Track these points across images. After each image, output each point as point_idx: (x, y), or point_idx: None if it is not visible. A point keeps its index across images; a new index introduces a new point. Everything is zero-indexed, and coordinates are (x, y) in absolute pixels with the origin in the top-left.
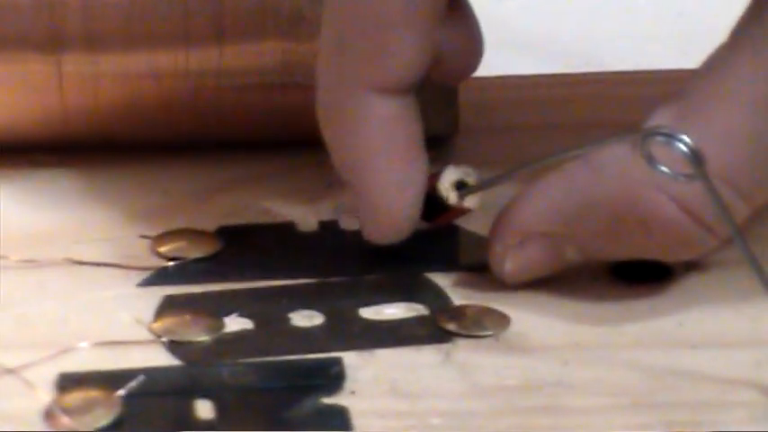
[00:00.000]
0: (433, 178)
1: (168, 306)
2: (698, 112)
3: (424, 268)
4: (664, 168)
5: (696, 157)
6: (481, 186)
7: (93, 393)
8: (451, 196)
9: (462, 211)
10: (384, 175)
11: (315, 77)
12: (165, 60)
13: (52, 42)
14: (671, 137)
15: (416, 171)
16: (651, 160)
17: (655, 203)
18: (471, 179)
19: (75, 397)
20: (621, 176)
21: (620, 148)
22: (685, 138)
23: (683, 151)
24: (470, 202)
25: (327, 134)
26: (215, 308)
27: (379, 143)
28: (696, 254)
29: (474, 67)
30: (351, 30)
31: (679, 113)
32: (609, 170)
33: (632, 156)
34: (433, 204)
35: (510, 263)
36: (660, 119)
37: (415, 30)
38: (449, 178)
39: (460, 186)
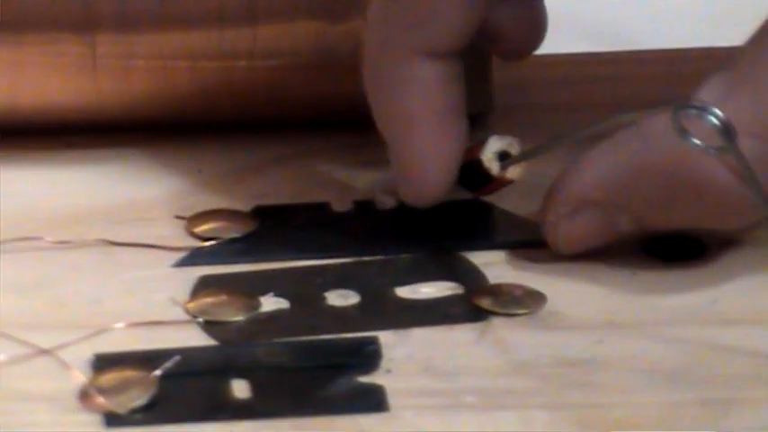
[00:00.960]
0: (477, 149)
1: (203, 286)
2: (747, 82)
3: (460, 247)
4: (696, 141)
5: (727, 130)
6: (524, 157)
7: (129, 373)
8: (494, 167)
9: (505, 182)
10: (422, 138)
11: (363, 38)
12: (199, 41)
13: (86, 24)
14: (702, 110)
15: (454, 137)
16: (683, 133)
17: (707, 169)
18: (514, 150)
19: (111, 377)
20: (674, 143)
21: (665, 113)
22: (717, 111)
23: (714, 124)
24: (513, 172)
25: (371, 94)
26: (250, 288)
27: (420, 106)
28: (748, 222)
29: (536, 44)
30: None
31: (729, 83)
32: (662, 137)
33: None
34: (476, 175)
35: (563, 232)
36: (710, 88)
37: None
38: (492, 149)
39: (504, 157)
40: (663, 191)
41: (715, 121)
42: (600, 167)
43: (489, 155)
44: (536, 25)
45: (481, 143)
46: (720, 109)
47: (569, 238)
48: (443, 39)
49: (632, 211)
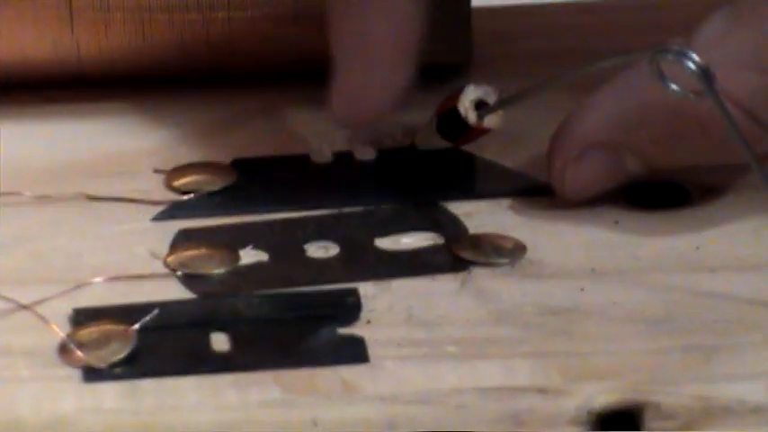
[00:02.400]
0: (454, 98)
1: (183, 239)
2: (747, 17)
3: (440, 197)
4: (674, 86)
5: (705, 75)
6: (501, 105)
7: (108, 327)
8: (471, 116)
9: (483, 131)
10: (373, 62)
11: None
12: None
13: None
14: (681, 54)
15: (401, 71)
16: (662, 77)
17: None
18: (491, 99)
19: (90, 331)
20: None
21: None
22: (694, 55)
23: (692, 69)
24: (491, 121)
25: (334, 8)
26: (230, 240)
27: (382, 31)
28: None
29: None
30: None
31: (729, 19)
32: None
33: None
34: (453, 124)
35: (570, 177)
36: (712, 26)
37: None
38: (469, 98)
39: (481, 106)
40: (669, 128)
41: (693, 65)
42: (604, 109)
43: (466, 104)
44: None
45: (458, 92)
46: (722, 45)
47: (576, 182)
48: None
49: (638, 150)
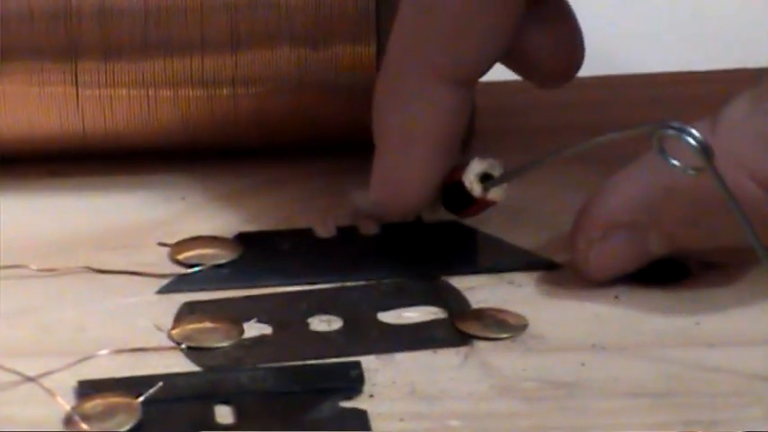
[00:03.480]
0: (459, 171)
1: (187, 312)
2: None
3: (443, 271)
4: (674, 161)
5: (705, 151)
6: (506, 178)
7: (113, 400)
8: (476, 188)
9: (487, 204)
10: (416, 160)
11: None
12: (181, 69)
13: (68, 52)
14: (681, 131)
15: (444, 165)
16: (663, 153)
17: (734, 183)
18: (496, 171)
19: (95, 404)
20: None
21: (698, 130)
22: (695, 132)
23: (692, 145)
24: (495, 194)
25: (379, 104)
26: (234, 314)
27: (426, 128)
28: None
29: (575, 69)
30: (431, 16)
31: (757, 96)
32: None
33: (712, 137)
34: (458, 197)
35: (594, 257)
36: (739, 103)
37: (492, 24)
38: (474, 171)
39: (486, 178)
40: (693, 208)
41: (693, 141)
42: (627, 190)
43: (471, 177)
44: (573, 49)
45: (463, 165)
46: (747, 126)
47: (601, 263)
48: (468, 64)
49: (663, 231)
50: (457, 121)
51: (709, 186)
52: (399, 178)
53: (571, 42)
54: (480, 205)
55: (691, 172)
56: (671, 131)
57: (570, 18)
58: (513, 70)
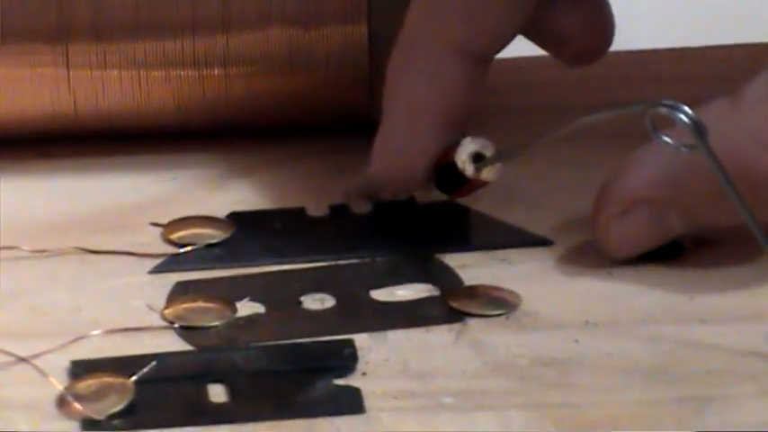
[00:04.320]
0: (451, 151)
1: (180, 292)
2: None
3: (435, 249)
4: (666, 138)
5: (698, 128)
6: (498, 158)
7: (107, 380)
8: (468, 168)
9: (480, 184)
10: (425, 131)
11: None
12: (173, 50)
13: (60, 33)
14: (673, 108)
15: (442, 141)
16: (655, 130)
17: (758, 159)
18: (488, 151)
19: (88, 384)
20: (724, 135)
21: (720, 107)
22: (687, 109)
23: (685, 122)
24: (487, 174)
25: (392, 74)
26: (227, 293)
27: (438, 101)
28: None
29: (604, 46)
30: None
31: (732, 102)
32: (711, 130)
33: (730, 115)
34: (451, 177)
35: (615, 233)
36: (762, 79)
37: (510, 0)
38: (466, 150)
39: (478, 159)
40: (714, 185)
41: (685, 119)
42: (649, 166)
43: (464, 156)
44: (602, 26)
45: (455, 145)
46: (725, 127)
47: (621, 239)
48: (484, 40)
49: (683, 207)
50: (467, 98)
51: (730, 160)
52: (401, 150)
53: (600, 18)
54: (473, 185)
55: (684, 149)
56: (663, 109)
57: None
58: (543, 48)
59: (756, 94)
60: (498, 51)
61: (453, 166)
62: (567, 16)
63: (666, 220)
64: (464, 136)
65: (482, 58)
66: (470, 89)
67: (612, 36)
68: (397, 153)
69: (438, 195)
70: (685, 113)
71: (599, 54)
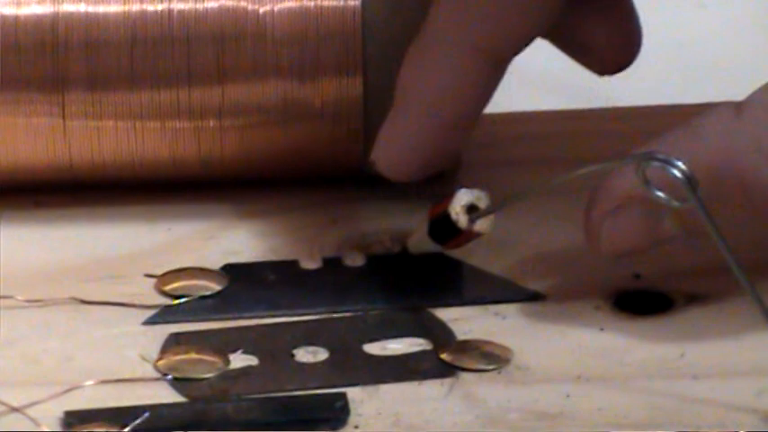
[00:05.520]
0: (445, 202)
1: (173, 343)
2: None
3: (428, 303)
4: (659, 193)
5: (690, 182)
6: (492, 209)
7: (99, 431)
8: (462, 220)
9: (473, 235)
10: (429, 130)
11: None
12: (168, 101)
13: (56, 84)
14: (666, 162)
15: (446, 133)
16: (648, 184)
17: (754, 166)
18: (482, 203)
19: None
20: (722, 140)
21: (722, 114)
22: (680, 163)
23: (677, 176)
24: (481, 225)
25: (409, 69)
26: (220, 345)
27: (450, 96)
28: None
29: (631, 56)
30: None
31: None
32: (710, 134)
33: (734, 121)
34: (444, 228)
35: (606, 230)
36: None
37: (534, 2)
38: (460, 202)
39: (472, 210)
40: (709, 187)
41: (678, 173)
42: None
43: (457, 208)
44: (630, 35)
45: (449, 196)
46: (726, 133)
47: (612, 237)
48: (506, 39)
49: (678, 209)
50: (480, 97)
51: (727, 165)
52: (405, 141)
53: (629, 27)
54: (466, 236)
55: (675, 203)
56: (655, 163)
57: (630, 10)
58: (572, 58)
59: (760, 103)
60: (516, 53)
61: (447, 217)
62: (595, 25)
63: (660, 221)
64: (458, 188)
65: (500, 58)
66: (484, 88)
67: (641, 45)
68: (401, 143)
69: (431, 247)
70: (678, 168)
71: (627, 63)
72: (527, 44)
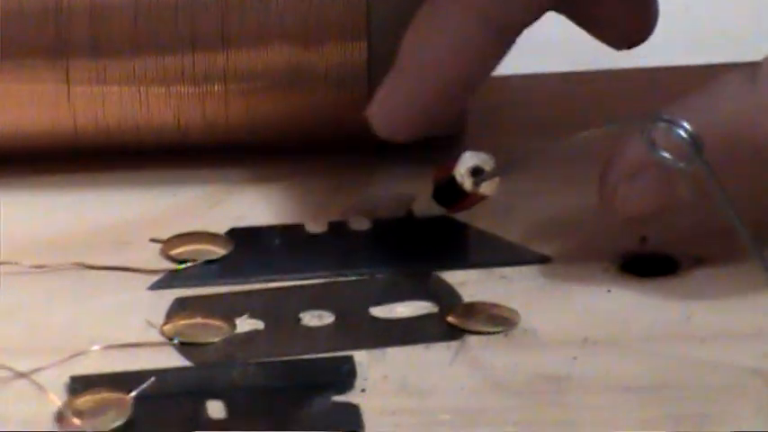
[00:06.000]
0: (451, 165)
1: (179, 308)
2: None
3: (434, 266)
4: (665, 153)
5: (695, 144)
6: (497, 172)
7: (105, 396)
8: (467, 182)
9: (479, 198)
10: (427, 93)
11: None
12: (173, 66)
13: (59, 49)
14: (671, 123)
15: (442, 95)
16: (653, 145)
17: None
18: (488, 166)
19: (87, 400)
20: (736, 103)
21: (736, 80)
22: (685, 124)
23: (682, 137)
24: (486, 188)
25: (414, 32)
26: (226, 309)
27: (450, 66)
28: None
29: (647, 32)
30: None
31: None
32: (725, 97)
33: (748, 85)
34: (450, 191)
35: (621, 195)
36: (734, 76)
37: None
38: (465, 164)
39: (477, 173)
40: (724, 151)
41: (683, 134)
42: None
43: (463, 170)
44: (646, 8)
45: (455, 159)
46: (741, 97)
47: (627, 202)
48: (512, 9)
49: (692, 174)
50: (482, 65)
51: (742, 128)
52: (403, 101)
53: (643, 8)
54: (472, 199)
55: (681, 165)
56: (661, 124)
57: None
58: (588, 31)
59: None
60: (526, 25)
61: (452, 180)
62: (610, 1)
63: (675, 186)
64: (463, 151)
65: (506, 28)
66: (487, 57)
67: (657, 18)
68: (397, 101)
69: (437, 210)
70: (683, 128)
71: (644, 36)
72: (535, 17)
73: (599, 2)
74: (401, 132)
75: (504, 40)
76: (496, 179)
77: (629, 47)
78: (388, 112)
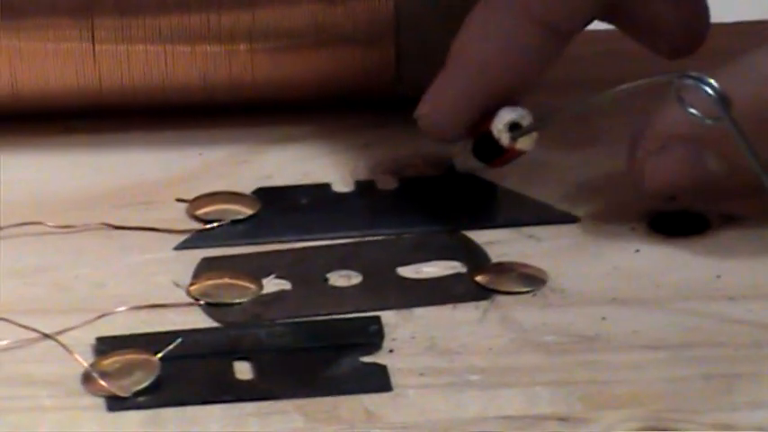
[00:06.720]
0: (488, 120)
1: (206, 269)
2: None
3: (462, 226)
4: (693, 110)
5: (723, 101)
6: (534, 127)
7: (132, 357)
8: (504, 137)
9: (516, 153)
10: (476, 94)
11: None
12: (198, 25)
13: (85, 8)
14: (699, 80)
15: (493, 98)
16: (681, 101)
17: None
18: (525, 121)
19: (114, 361)
20: (764, 75)
21: (761, 50)
22: (713, 82)
23: (710, 94)
24: (524, 143)
25: (466, 31)
26: (252, 269)
27: (499, 67)
28: None
29: (699, 42)
30: None
31: None
32: (751, 69)
33: None
34: (487, 146)
35: (650, 169)
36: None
37: None
38: (502, 120)
39: (514, 128)
40: (752, 123)
41: (710, 91)
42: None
43: (500, 126)
44: (698, 18)
45: (492, 115)
46: None
47: (656, 175)
48: (563, 12)
49: (721, 145)
50: (532, 68)
51: None
52: (451, 102)
53: (697, 10)
54: (509, 155)
55: (708, 121)
56: (689, 81)
57: None
58: (638, 41)
59: None
60: (578, 29)
61: (490, 135)
62: (662, 8)
63: (703, 159)
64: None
65: (558, 31)
66: (538, 60)
67: (709, 27)
68: (447, 103)
69: (478, 164)
70: (710, 86)
71: (695, 47)
72: (587, 21)
73: (650, 7)
74: (450, 134)
75: (555, 43)
76: (534, 134)
77: (684, 55)
78: (437, 113)
